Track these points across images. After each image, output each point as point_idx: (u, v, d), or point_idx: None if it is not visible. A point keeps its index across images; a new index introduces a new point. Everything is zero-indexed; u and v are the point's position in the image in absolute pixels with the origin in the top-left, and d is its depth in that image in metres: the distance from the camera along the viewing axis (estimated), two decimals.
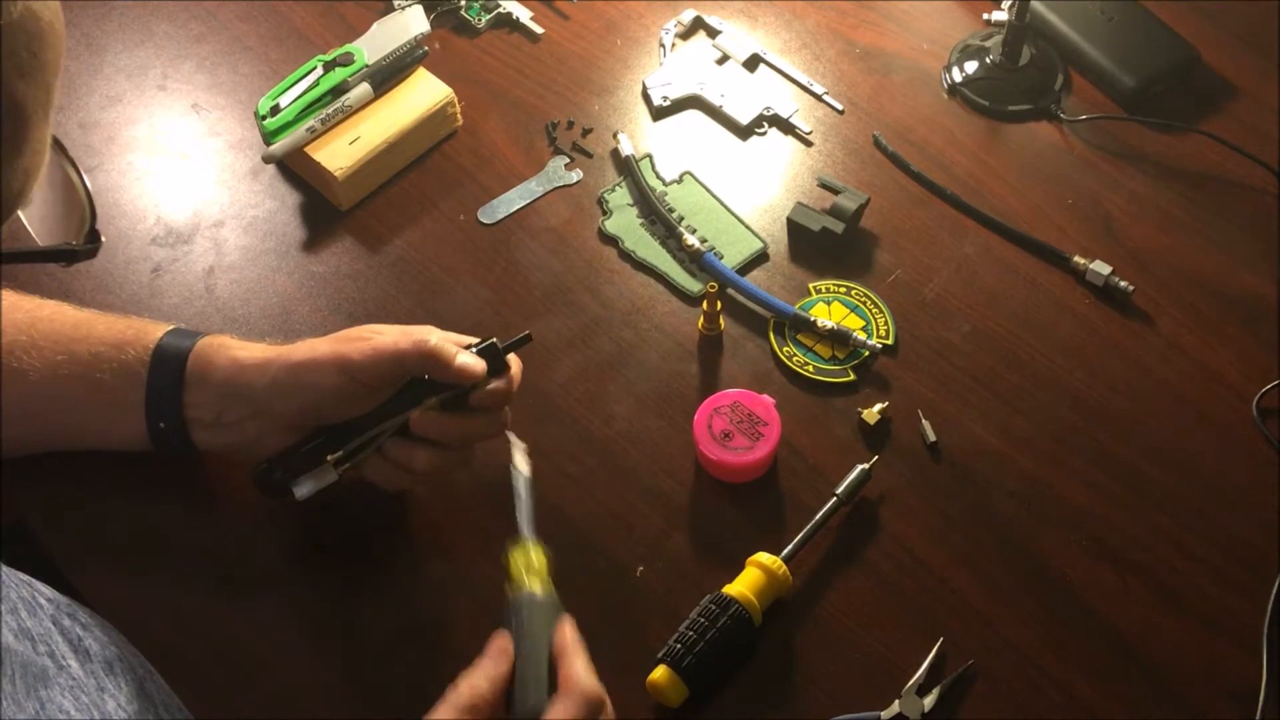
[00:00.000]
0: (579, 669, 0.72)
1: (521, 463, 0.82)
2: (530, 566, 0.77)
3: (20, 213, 0.58)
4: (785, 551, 0.83)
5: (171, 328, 0.84)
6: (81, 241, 0.59)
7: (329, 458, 0.81)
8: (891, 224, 1.01)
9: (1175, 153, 1.05)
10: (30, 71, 0.49)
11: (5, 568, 0.67)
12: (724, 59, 1.11)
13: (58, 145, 0.57)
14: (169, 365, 0.82)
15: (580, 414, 0.92)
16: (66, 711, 0.63)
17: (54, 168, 0.58)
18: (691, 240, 0.99)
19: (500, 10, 1.14)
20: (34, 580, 0.71)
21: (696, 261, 0.99)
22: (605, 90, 1.10)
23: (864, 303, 0.97)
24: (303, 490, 0.81)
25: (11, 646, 0.63)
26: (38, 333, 0.83)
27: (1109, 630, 0.83)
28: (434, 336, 0.80)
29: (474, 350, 0.82)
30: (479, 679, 0.71)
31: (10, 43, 0.48)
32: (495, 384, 0.82)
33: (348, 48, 1.04)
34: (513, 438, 0.83)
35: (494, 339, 0.83)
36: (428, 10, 1.09)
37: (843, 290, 0.98)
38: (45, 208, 0.59)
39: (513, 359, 0.84)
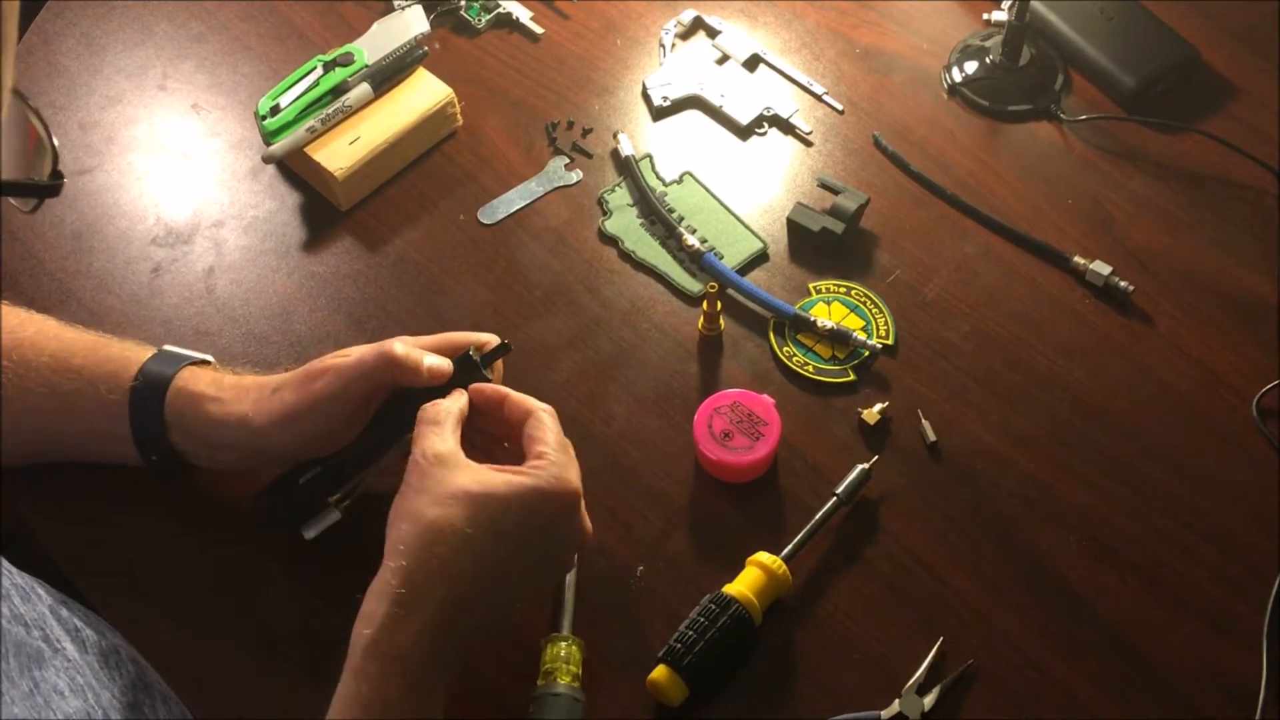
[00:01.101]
0: (532, 403, 0.80)
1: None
2: (558, 659, 0.80)
3: None
4: (785, 551, 0.83)
5: (146, 359, 0.82)
6: (45, 178, 0.59)
7: (330, 499, 0.82)
8: (891, 224, 1.01)
9: (1175, 153, 1.05)
10: None
11: (4, 561, 0.68)
12: (724, 59, 1.11)
13: (19, 95, 0.57)
14: (147, 410, 0.81)
15: (580, 414, 0.92)
16: (61, 691, 0.63)
17: (17, 115, 0.58)
18: (691, 240, 0.99)
19: (500, 10, 1.14)
20: (32, 578, 0.71)
21: (696, 261, 0.99)
22: (605, 90, 1.10)
23: (864, 303, 0.97)
24: (310, 533, 0.82)
25: (5, 628, 0.63)
26: (19, 359, 0.82)
27: (1109, 630, 0.83)
28: (397, 341, 0.80)
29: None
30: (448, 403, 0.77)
31: None
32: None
33: (348, 48, 1.04)
34: None
35: (469, 350, 0.82)
36: (427, 10, 1.09)
37: (843, 290, 0.98)
38: (10, 152, 0.59)
39: (497, 366, 0.84)
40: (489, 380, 0.81)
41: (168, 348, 0.84)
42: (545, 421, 0.77)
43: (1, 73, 0.51)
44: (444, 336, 0.83)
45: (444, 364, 0.80)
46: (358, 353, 0.79)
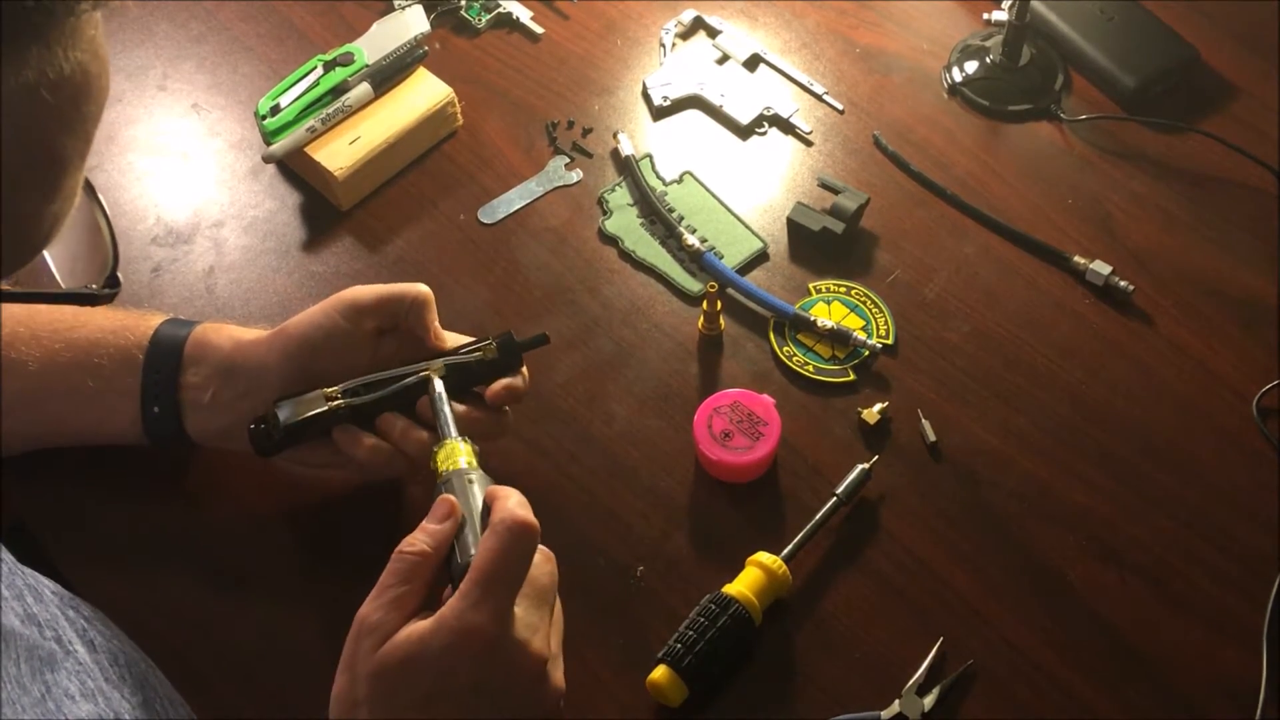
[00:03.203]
0: (508, 504, 0.70)
1: (438, 381, 0.81)
2: (457, 454, 0.76)
3: (47, 253, 0.59)
4: (785, 551, 0.83)
5: (169, 316, 0.86)
6: (101, 286, 0.59)
7: (324, 391, 0.81)
8: (891, 224, 1.01)
9: (1175, 153, 1.05)
10: (72, 124, 0.50)
11: (9, 557, 0.67)
12: (724, 59, 1.11)
13: (89, 188, 0.58)
14: (167, 348, 0.83)
15: (580, 414, 0.92)
16: (73, 695, 0.63)
17: (83, 210, 0.58)
18: (691, 240, 0.99)
19: (500, 10, 1.14)
20: (38, 574, 0.71)
21: (696, 261, 0.99)
22: (605, 90, 1.10)
23: (864, 303, 0.97)
24: (284, 412, 0.80)
25: (17, 630, 0.63)
26: (37, 324, 0.84)
27: (1109, 630, 0.83)
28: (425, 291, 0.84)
29: (492, 341, 0.84)
30: (417, 536, 0.71)
31: (58, 96, 0.48)
32: (510, 381, 0.84)
33: (348, 47, 1.04)
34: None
35: (509, 331, 0.84)
36: (428, 10, 1.09)
37: (843, 290, 0.98)
38: (70, 249, 0.60)
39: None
40: (521, 364, 0.85)
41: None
42: (487, 544, 0.69)
43: (75, 184, 0.52)
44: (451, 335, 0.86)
45: (445, 339, 0.84)
46: (390, 285, 0.84)
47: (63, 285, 0.61)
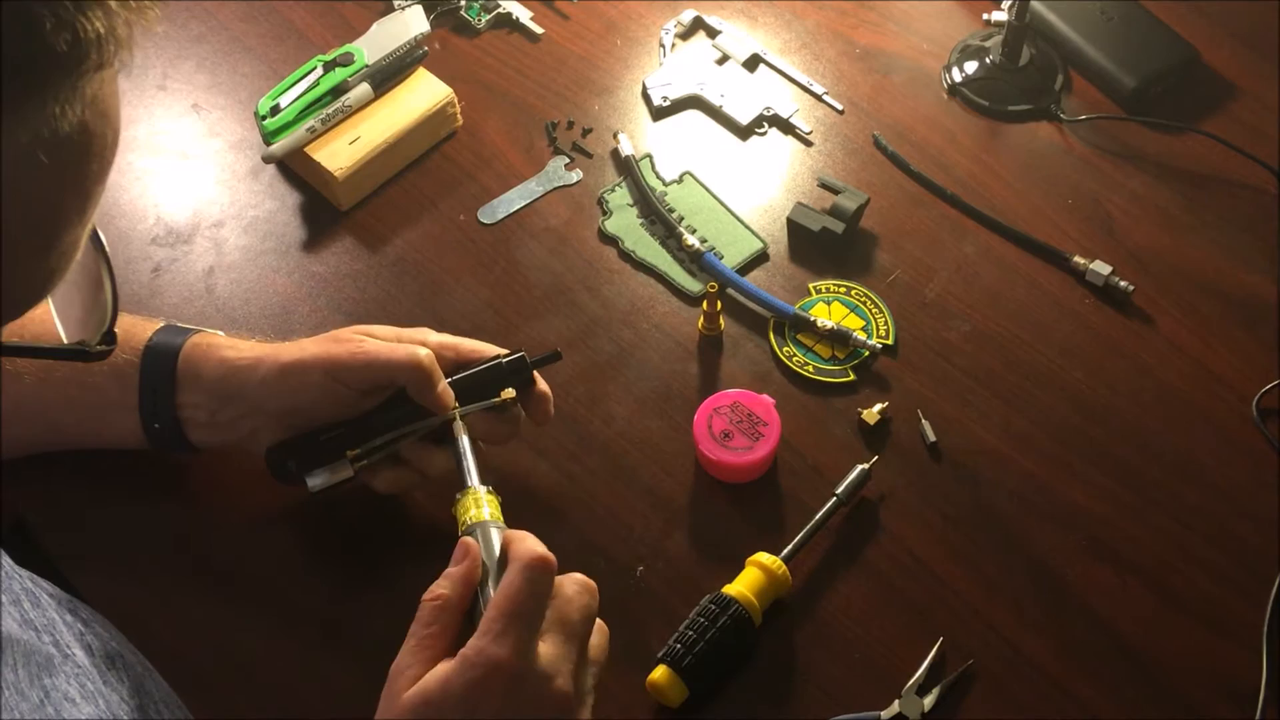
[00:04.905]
0: (526, 543, 0.71)
1: (464, 436, 0.81)
2: (480, 504, 0.76)
3: (51, 304, 0.58)
4: (785, 551, 0.83)
5: (161, 325, 0.85)
6: (95, 342, 0.58)
7: (348, 454, 0.81)
8: (891, 224, 1.01)
9: (1175, 153, 1.05)
10: (71, 183, 0.48)
11: (8, 560, 0.67)
12: (724, 59, 1.11)
13: (97, 242, 0.57)
14: (160, 367, 0.82)
15: (580, 414, 0.92)
16: (72, 699, 0.63)
17: (90, 260, 0.57)
18: (691, 240, 0.99)
19: (500, 10, 1.14)
20: (36, 576, 0.71)
21: (696, 261, 0.99)
22: (605, 90, 1.10)
23: (864, 303, 0.97)
24: (316, 482, 0.82)
25: (15, 635, 0.63)
26: (29, 335, 0.83)
27: (1109, 630, 0.83)
28: (424, 348, 0.81)
29: (503, 362, 0.83)
30: (438, 582, 0.71)
31: (55, 156, 0.46)
32: (546, 409, 0.86)
33: (348, 48, 1.04)
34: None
35: (523, 352, 0.84)
36: (428, 10, 1.09)
37: (843, 290, 0.98)
38: (71, 299, 0.59)
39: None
40: (534, 383, 0.85)
41: (176, 323, 0.86)
42: (506, 579, 0.70)
43: (74, 240, 0.50)
44: (458, 341, 0.85)
45: (450, 399, 0.82)
46: (387, 348, 0.81)
47: (62, 332, 0.60)
